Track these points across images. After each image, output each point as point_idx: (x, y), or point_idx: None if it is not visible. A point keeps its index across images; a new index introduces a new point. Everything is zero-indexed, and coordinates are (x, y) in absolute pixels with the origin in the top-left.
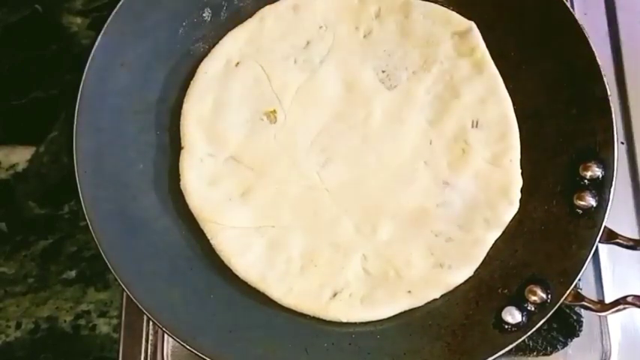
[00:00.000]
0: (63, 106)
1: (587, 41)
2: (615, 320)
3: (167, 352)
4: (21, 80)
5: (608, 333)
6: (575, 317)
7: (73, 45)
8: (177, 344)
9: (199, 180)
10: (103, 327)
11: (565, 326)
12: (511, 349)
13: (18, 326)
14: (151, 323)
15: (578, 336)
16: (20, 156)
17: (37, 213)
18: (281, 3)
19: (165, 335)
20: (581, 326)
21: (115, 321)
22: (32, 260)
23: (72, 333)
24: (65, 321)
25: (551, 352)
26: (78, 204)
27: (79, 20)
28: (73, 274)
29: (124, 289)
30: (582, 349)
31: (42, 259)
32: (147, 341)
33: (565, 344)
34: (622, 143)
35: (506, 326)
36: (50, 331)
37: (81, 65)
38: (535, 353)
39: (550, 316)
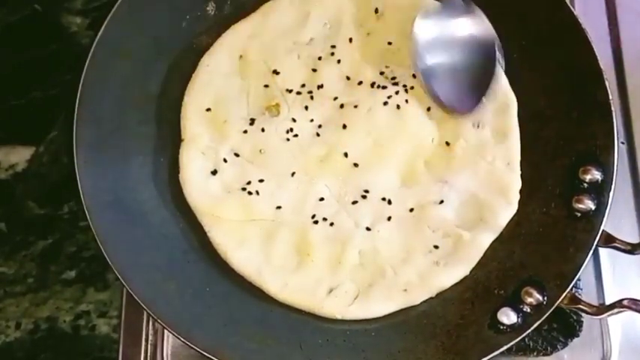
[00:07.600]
0: (63, 106)
1: (591, 46)
2: (616, 320)
3: (167, 353)
4: (21, 80)
5: (609, 333)
6: (575, 317)
7: (73, 45)
8: (178, 344)
9: (199, 173)
10: (103, 327)
11: (565, 326)
12: (511, 349)
13: (18, 326)
14: (150, 323)
15: (578, 336)
16: (20, 156)
17: (36, 213)
18: None
19: (165, 335)
20: (581, 326)
21: (114, 321)
22: (32, 260)
23: (72, 333)
24: (65, 321)
25: (551, 352)
26: (78, 204)
27: (78, 20)
28: (72, 274)
29: (120, 281)
30: (582, 350)
31: (41, 259)
32: (147, 341)
33: (565, 344)
34: (622, 143)
35: (502, 327)
36: (50, 331)
37: (81, 65)
38: (535, 353)
39: (550, 317)
